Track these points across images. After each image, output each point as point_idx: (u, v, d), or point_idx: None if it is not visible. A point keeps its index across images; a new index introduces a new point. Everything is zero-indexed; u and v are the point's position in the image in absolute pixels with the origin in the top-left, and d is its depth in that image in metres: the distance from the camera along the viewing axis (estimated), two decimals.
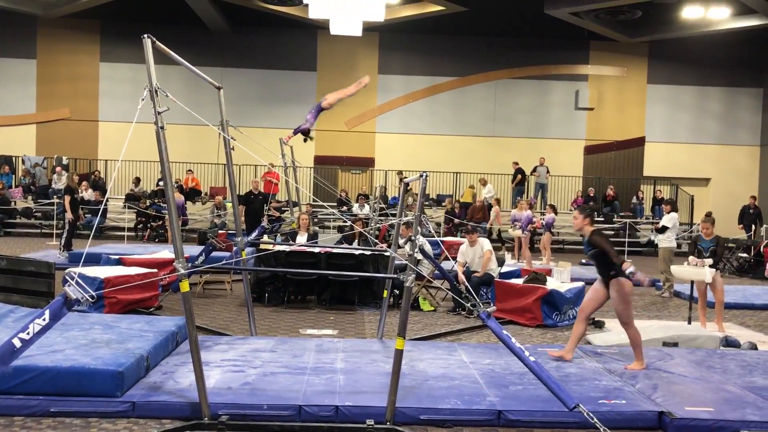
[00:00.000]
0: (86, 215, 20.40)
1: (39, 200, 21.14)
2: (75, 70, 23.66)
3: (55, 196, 20.66)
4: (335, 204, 22.99)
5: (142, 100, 5.11)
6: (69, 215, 14.38)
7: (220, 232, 17.76)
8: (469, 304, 5.13)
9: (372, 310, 10.12)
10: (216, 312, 9.68)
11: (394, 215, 20.29)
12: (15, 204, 21.04)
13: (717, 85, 24.38)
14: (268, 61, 23.87)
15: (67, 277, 4.75)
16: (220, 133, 7.51)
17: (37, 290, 9.35)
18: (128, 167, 23.06)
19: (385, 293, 7.81)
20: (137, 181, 22.18)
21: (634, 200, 23.29)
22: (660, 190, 23.38)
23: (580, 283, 10.12)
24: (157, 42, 5.45)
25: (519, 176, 22.41)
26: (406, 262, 5.30)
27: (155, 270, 9.89)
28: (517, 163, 22.56)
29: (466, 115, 24.43)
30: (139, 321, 7.22)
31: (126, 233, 18.88)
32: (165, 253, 11.87)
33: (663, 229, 12.22)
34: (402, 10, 21.92)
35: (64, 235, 14.25)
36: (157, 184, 21.77)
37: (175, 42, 25.80)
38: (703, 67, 24.13)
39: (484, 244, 10.31)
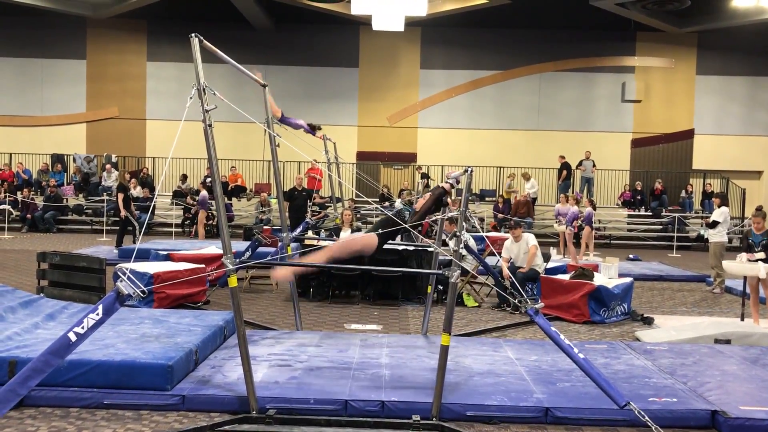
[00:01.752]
0: (136, 212, 20.86)
1: (90, 197, 21.67)
2: (123, 69, 24.17)
3: (104, 193, 21.18)
4: (377, 200, 23.09)
5: (191, 98, 5.17)
6: (123, 212, 14.66)
7: (265, 228, 17.96)
8: (516, 301, 5.08)
9: (415, 305, 10.11)
10: (262, 307, 9.78)
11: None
12: (67, 201, 21.60)
13: None
14: (311, 57, 24.01)
15: (119, 273, 4.85)
16: (265, 131, 7.58)
17: (89, 285, 9.59)
18: (175, 164, 23.50)
19: (429, 289, 7.79)
20: (184, 178, 22.57)
21: (683, 194, 22.78)
22: (710, 184, 22.85)
23: (629, 279, 9.94)
24: (204, 41, 5.51)
25: (565, 171, 22.08)
26: (451, 257, 5.27)
27: (203, 265, 10.04)
28: (563, 158, 22.23)
29: (509, 109, 24.20)
30: (188, 316, 7.34)
31: (174, 229, 19.20)
32: (212, 248, 12.05)
33: (714, 224, 11.93)
34: (445, 4, 21.80)
35: (135, 232, 14.46)
36: (203, 182, 22.09)
37: (219, 40, 26.15)
38: (754, 56, 23.46)
39: (529, 239, 10.20)
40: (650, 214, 22.08)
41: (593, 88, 24.11)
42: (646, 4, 20.90)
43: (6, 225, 19.01)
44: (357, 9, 20.50)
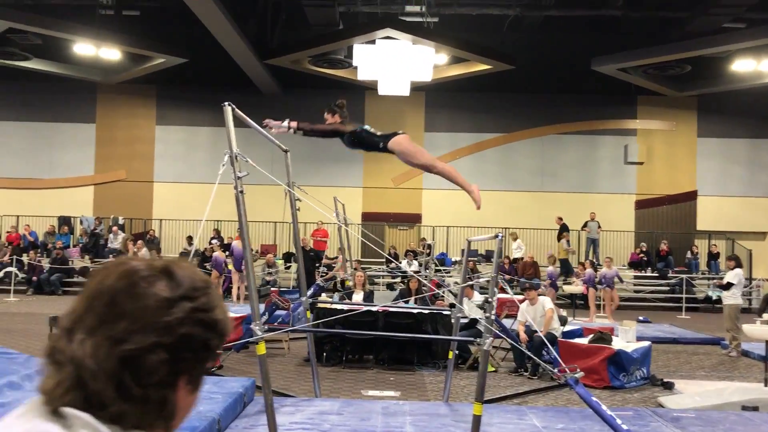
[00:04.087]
0: None
1: (96, 259, 21.65)
2: (132, 133, 24.47)
3: (111, 255, 21.14)
4: (383, 260, 23.09)
5: (223, 165, 5.23)
6: None
7: (272, 289, 17.90)
8: (549, 368, 5.02)
9: (432, 370, 9.98)
10: (276, 372, 9.64)
11: (438, 271, 20.31)
12: (72, 263, 21.54)
13: None
14: (317, 121, 24.25)
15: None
16: (286, 194, 7.67)
17: None
18: (181, 226, 23.56)
19: (451, 354, 7.71)
20: (190, 239, 22.56)
21: (689, 255, 22.77)
22: (715, 245, 22.88)
23: (647, 343, 9.86)
24: (236, 109, 5.62)
25: (565, 234, 22.04)
26: (480, 320, 5.25)
27: None
28: (561, 219, 22.27)
29: (512, 171, 24.42)
30: (207, 382, 7.22)
31: None
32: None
33: (728, 286, 11.90)
34: (449, 70, 22.24)
35: None
36: (210, 243, 22.12)
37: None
38: (754, 119, 23.81)
39: (546, 302, 10.15)
40: (657, 275, 22.03)
41: (596, 150, 24.40)
42: (647, 69, 21.33)
43: (12, 287, 18.91)
44: (363, 75, 20.94)
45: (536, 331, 10.02)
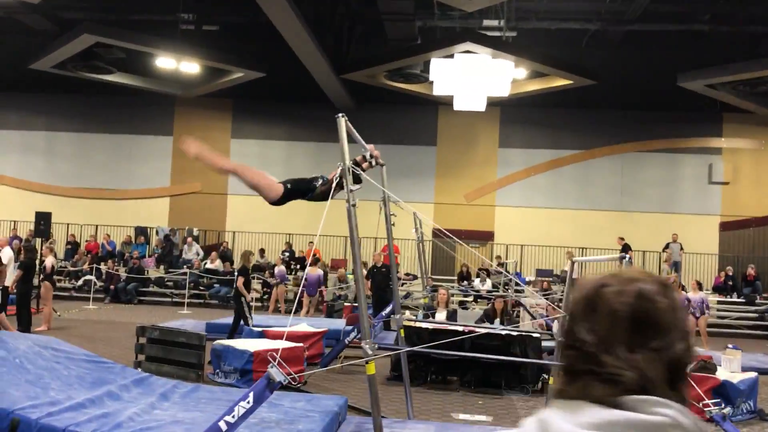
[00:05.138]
0: (215, 284, 21.01)
1: (171, 270, 21.97)
2: (208, 145, 24.73)
3: (185, 266, 21.43)
4: (454, 278, 22.70)
5: (337, 178, 5.04)
6: (247, 296, 13.43)
7: (345, 304, 17.76)
8: (705, 407, 4.62)
9: (520, 395, 9.58)
10: (359, 390, 9.39)
11: (510, 289, 19.76)
12: (148, 273, 21.90)
13: None
14: (390, 135, 24.20)
15: (269, 358, 4.62)
16: (381, 208, 7.50)
17: (187, 362, 9.45)
18: (254, 238, 23.75)
19: (551, 380, 7.32)
20: (262, 252, 22.69)
21: None
22: None
23: (753, 374, 9.23)
24: (348, 122, 5.44)
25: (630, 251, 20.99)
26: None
27: (301, 344, 9.80)
28: (622, 239, 21.40)
29: (590, 189, 23.74)
30: (300, 399, 7.05)
31: (254, 303, 19.13)
32: (303, 326, 11.83)
33: None
34: (527, 85, 21.79)
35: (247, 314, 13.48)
36: (282, 255, 22.20)
37: (300, 118, 26.88)
38: None
39: None
40: (743, 300, 20.97)
41: (678, 169, 23.50)
42: (736, 86, 20.44)
43: (91, 295, 19.31)
44: (439, 90, 20.68)
45: None
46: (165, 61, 21.11)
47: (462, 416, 8.15)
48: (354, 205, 5.05)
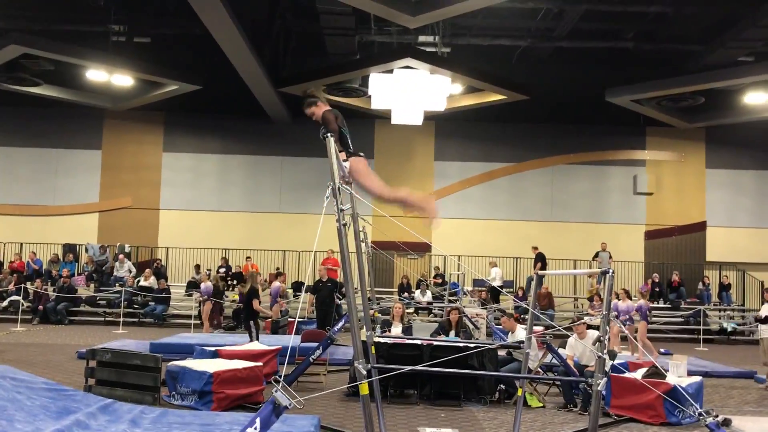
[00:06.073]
0: (150, 302, 20.43)
1: (102, 288, 21.24)
2: (138, 160, 24.19)
3: (117, 284, 20.76)
4: (393, 290, 22.84)
5: (327, 197, 5.04)
6: (268, 312, 12.77)
7: (290, 320, 17.59)
8: (692, 410, 4.84)
9: (478, 406, 9.75)
10: (322, 407, 9.35)
11: (451, 301, 20.10)
12: (77, 292, 21.07)
13: None
14: (326, 148, 24.18)
15: (273, 382, 4.57)
16: (349, 225, 7.47)
17: (142, 384, 9.17)
18: (188, 254, 23.25)
19: (520, 391, 7.48)
20: (197, 268, 22.22)
21: (700, 286, 22.74)
22: (726, 276, 22.89)
23: (699, 378, 9.71)
24: (335, 146, 5.42)
25: (539, 263, 21.59)
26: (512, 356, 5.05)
27: (260, 363, 9.67)
28: (536, 248, 22.09)
29: (523, 201, 24.39)
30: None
31: (193, 321, 18.72)
32: (256, 344, 11.66)
33: (765, 320, 11.80)
34: (462, 100, 22.25)
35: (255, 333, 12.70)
36: (218, 271, 21.80)
37: (236, 132, 26.47)
38: (762, 151, 24.01)
39: (594, 336, 9.97)
40: (669, 306, 21.96)
41: (606, 180, 24.45)
42: (660, 101, 21.47)
43: (19, 317, 18.45)
44: (377, 104, 20.89)
45: (586, 366, 9.86)
46: (96, 74, 20.49)
47: (429, 430, 8.23)
48: (345, 225, 5.05)
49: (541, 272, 7.48)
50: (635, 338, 14.11)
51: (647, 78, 21.07)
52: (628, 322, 14.03)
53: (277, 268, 22.45)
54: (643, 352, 14.45)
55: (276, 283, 19.27)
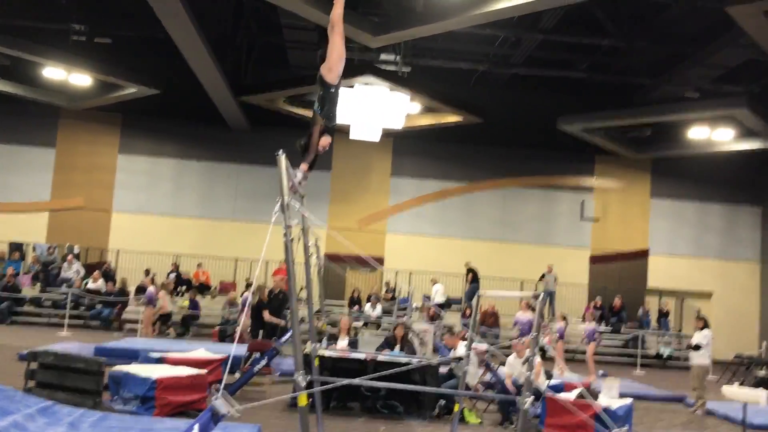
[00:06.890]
0: (98, 305, 20.19)
1: (48, 288, 20.91)
2: (93, 160, 23.96)
3: (64, 284, 20.48)
4: (343, 304, 23.00)
5: (275, 213, 5.24)
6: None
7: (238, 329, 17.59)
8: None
9: (419, 420, 10.00)
10: (263, 417, 9.45)
11: (400, 316, 20.39)
12: (21, 291, 20.70)
13: (718, 201, 25.22)
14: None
15: (213, 390, 4.75)
16: (299, 238, 7.65)
17: (84, 388, 9.17)
18: (139, 258, 23.04)
19: (457, 406, 7.78)
20: (147, 272, 22.03)
21: (640, 312, 23.46)
22: (666, 302, 23.68)
23: (629, 400, 10.13)
24: (287, 161, 5.65)
25: (471, 274, 22.14)
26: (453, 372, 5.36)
27: (205, 371, 9.76)
28: (468, 263, 22.56)
29: (474, 220, 24.90)
30: (217, 428, 7.08)
31: (139, 326, 18.57)
32: (201, 351, 11.73)
33: (697, 347, 12.35)
34: (419, 119, 22.69)
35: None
36: (167, 277, 21.69)
37: (193, 138, 26.40)
38: (704, 184, 25.00)
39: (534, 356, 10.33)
40: (610, 329, 22.61)
41: (554, 205, 25.14)
42: (609, 131, 22.24)
43: None
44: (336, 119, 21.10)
45: (522, 385, 10.20)
46: (54, 72, 20.29)
47: None
48: (292, 240, 5.26)
49: (481, 292, 7.79)
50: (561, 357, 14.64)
51: (598, 108, 21.83)
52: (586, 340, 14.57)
53: (247, 279, 22.39)
54: (562, 368, 15.01)
55: (247, 294, 19.20)
